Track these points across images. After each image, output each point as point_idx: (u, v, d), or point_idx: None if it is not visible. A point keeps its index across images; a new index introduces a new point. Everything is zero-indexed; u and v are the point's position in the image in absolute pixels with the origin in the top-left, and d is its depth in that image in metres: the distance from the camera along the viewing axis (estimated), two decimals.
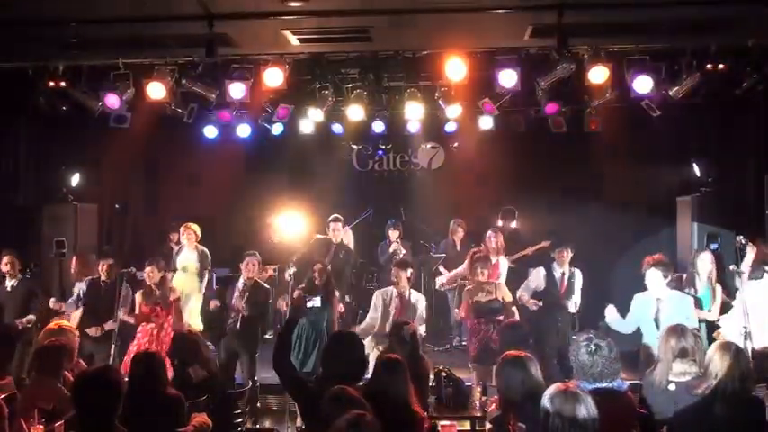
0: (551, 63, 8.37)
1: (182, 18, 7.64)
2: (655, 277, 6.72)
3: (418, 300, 8.27)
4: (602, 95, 9.52)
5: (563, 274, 8.28)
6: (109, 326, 8.29)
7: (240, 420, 6.44)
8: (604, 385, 4.26)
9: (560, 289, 8.23)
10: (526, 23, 7.93)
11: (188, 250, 9.84)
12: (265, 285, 8.67)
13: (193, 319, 9.58)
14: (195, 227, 9.86)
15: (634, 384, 5.37)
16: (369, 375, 4.89)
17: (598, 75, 8.21)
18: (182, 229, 9.88)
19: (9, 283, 8.52)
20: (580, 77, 8.44)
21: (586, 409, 3.51)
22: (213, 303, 8.85)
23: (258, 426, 7.85)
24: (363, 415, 3.46)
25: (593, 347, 4.30)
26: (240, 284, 8.39)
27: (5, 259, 8.55)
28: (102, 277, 8.61)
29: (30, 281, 8.78)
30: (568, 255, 8.28)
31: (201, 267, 9.84)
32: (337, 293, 8.68)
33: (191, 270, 9.78)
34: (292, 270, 8.30)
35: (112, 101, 8.89)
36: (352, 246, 10.33)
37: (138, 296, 8.43)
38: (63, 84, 8.94)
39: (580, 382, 4.13)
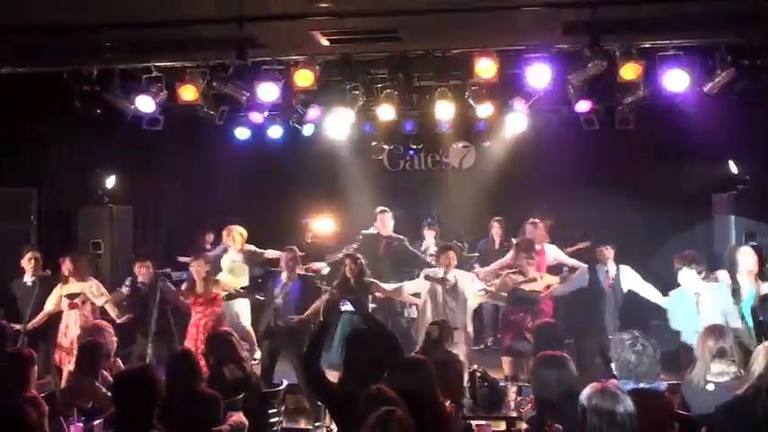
0: (583, 60, 8.30)
1: (212, 21, 7.70)
2: (689, 276, 6.67)
3: (460, 277, 8.17)
4: (635, 92, 9.40)
5: (606, 271, 8.21)
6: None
7: (275, 420, 6.46)
8: (643, 386, 4.23)
9: (605, 287, 8.14)
10: (557, 21, 7.86)
11: (233, 252, 9.83)
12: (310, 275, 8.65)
13: (243, 320, 9.64)
14: (240, 228, 9.85)
15: (674, 385, 5.32)
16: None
17: (630, 71, 8.12)
18: (224, 232, 9.88)
19: (29, 279, 8.64)
20: (612, 74, 8.36)
21: (624, 408, 3.48)
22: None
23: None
24: (393, 411, 3.46)
25: (639, 347, 4.27)
26: (282, 283, 8.37)
27: (28, 255, 8.69)
28: (140, 279, 8.70)
29: (48, 279, 8.76)
30: (610, 252, 8.20)
31: (250, 268, 9.83)
32: (378, 282, 8.52)
33: (237, 273, 9.72)
34: (326, 270, 8.31)
35: (145, 104, 8.99)
36: None
37: (183, 286, 8.64)
38: (97, 87, 9.06)
39: (619, 382, 4.11)
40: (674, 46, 8.25)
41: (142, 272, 8.71)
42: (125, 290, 8.84)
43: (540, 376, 4.37)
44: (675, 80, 8.23)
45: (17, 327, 7.99)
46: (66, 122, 10.36)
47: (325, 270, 8.64)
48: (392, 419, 3.41)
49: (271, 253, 9.73)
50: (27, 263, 8.65)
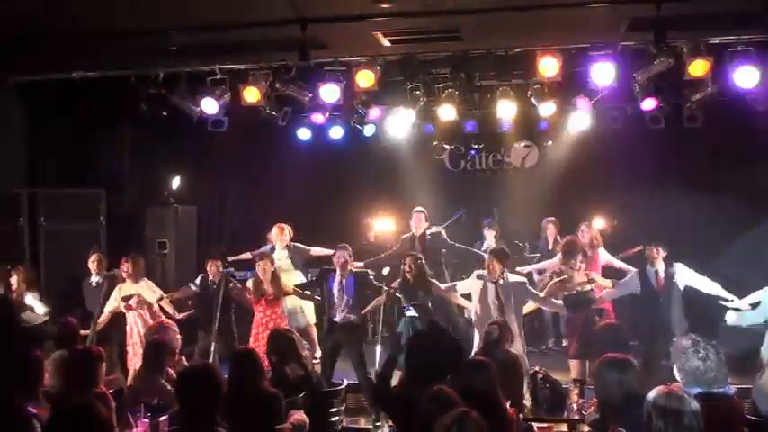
0: (649, 57, 8.15)
1: (275, 23, 7.79)
2: None
3: (512, 281, 8.01)
4: (703, 90, 9.15)
5: (656, 272, 8.04)
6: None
7: (336, 419, 6.49)
8: (712, 390, 4.11)
9: (657, 288, 7.99)
10: (622, 17, 7.74)
11: (278, 250, 9.90)
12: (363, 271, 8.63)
13: (308, 318, 9.74)
14: (285, 226, 9.91)
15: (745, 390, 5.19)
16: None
17: (698, 68, 7.94)
18: (276, 229, 9.98)
19: (94, 279, 8.89)
20: (679, 71, 8.17)
21: (692, 411, 3.40)
22: None
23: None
24: (469, 412, 3.45)
25: (702, 353, 4.12)
26: (337, 281, 8.38)
27: (93, 257, 8.97)
28: (210, 278, 8.82)
29: (112, 279, 8.96)
30: (659, 253, 8.03)
31: (294, 262, 9.89)
32: (437, 283, 8.42)
33: (284, 268, 9.69)
34: (386, 270, 8.29)
35: (210, 106, 9.16)
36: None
37: (250, 283, 8.74)
38: (163, 90, 9.27)
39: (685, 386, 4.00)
40: (743, 42, 8.03)
41: (213, 270, 8.82)
42: (194, 287, 8.99)
43: (603, 378, 4.29)
44: (746, 76, 8.02)
45: (85, 332, 8.22)
46: (134, 125, 10.60)
47: (386, 270, 8.59)
48: (468, 419, 3.41)
49: (317, 251, 9.81)
50: (91, 264, 8.94)
